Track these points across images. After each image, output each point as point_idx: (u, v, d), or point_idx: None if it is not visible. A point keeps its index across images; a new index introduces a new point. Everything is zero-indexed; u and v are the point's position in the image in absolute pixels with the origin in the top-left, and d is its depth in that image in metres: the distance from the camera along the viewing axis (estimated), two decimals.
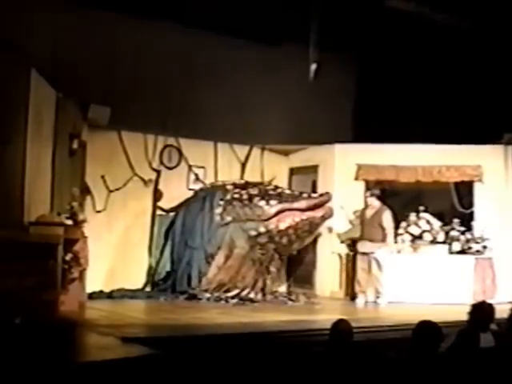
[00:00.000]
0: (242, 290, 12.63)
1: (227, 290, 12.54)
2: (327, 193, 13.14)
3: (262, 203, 12.72)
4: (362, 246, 12.95)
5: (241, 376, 6.55)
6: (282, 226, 12.67)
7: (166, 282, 12.95)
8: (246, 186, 13.30)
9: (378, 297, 12.69)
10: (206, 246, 12.69)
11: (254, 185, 13.42)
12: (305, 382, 5.57)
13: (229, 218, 12.73)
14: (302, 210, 12.81)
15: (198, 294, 12.30)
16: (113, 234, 12.87)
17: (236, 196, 12.91)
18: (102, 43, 12.30)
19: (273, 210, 12.68)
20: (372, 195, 13.06)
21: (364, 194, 13.30)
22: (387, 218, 12.86)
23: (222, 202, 12.85)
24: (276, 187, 13.42)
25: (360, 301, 12.72)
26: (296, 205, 12.81)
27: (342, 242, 13.67)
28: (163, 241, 13.29)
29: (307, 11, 12.20)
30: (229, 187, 13.17)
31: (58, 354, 6.55)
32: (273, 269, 13.13)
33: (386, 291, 12.63)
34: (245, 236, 12.68)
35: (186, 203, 13.29)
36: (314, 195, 13.20)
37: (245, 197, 12.87)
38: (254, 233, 12.66)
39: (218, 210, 12.79)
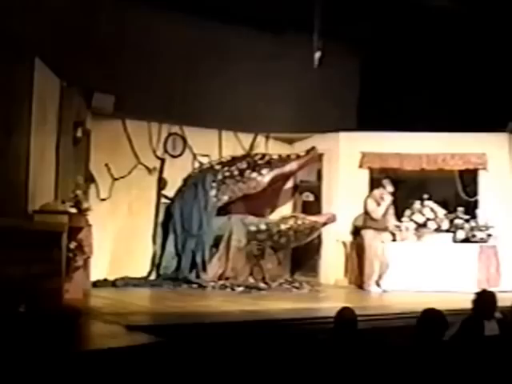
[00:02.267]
0: (242, 281, 12.68)
1: (230, 281, 12.57)
2: (313, 148, 13.15)
3: (254, 175, 12.81)
4: (376, 235, 12.90)
5: (245, 364, 6.57)
6: (283, 227, 12.74)
7: (172, 272, 12.97)
8: (233, 161, 13.33)
9: (379, 284, 12.72)
10: (207, 233, 12.73)
11: (241, 158, 13.44)
12: (309, 370, 5.58)
13: (225, 198, 12.79)
14: (294, 172, 12.97)
15: (202, 283, 12.32)
16: (117, 223, 12.87)
17: (227, 174, 12.96)
18: (105, 31, 12.27)
19: (266, 179, 12.71)
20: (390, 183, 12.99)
21: (382, 182, 13.08)
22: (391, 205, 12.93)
23: (214, 184, 12.91)
24: (263, 155, 13.42)
25: (368, 288, 12.72)
26: (288, 168, 12.90)
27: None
28: (162, 233, 13.29)
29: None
30: (217, 167, 13.22)
31: (62, 342, 6.55)
32: (269, 265, 13.20)
33: (389, 278, 12.66)
34: (244, 230, 12.74)
35: (179, 193, 13.31)
36: (301, 154, 13.25)
37: (235, 173, 12.95)
38: (253, 228, 12.76)
39: (213, 192, 12.87)
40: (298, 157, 13.17)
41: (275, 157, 13.35)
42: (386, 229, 12.85)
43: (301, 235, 13.10)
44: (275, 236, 12.87)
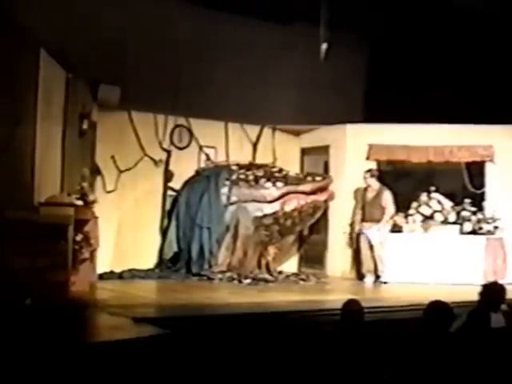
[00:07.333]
0: (251, 271, 12.70)
1: (238, 273, 12.55)
2: (329, 176, 13.25)
3: (269, 185, 12.85)
4: (363, 227, 13.02)
5: (252, 356, 6.57)
6: (288, 209, 12.88)
7: (177, 263, 12.96)
8: (250, 167, 13.41)
9: (378, 276, 12.74)
10: (216, 226, 12.71)
11: (259, 166, 13.52)
12: (316, 362, 5.58)
13: (234, 198, 12.82)
14: (307, 194, 12.93)
15: (210, 275, 12.33)
16: (123, 215, 12.87)
17: (242, 177, 13.02)
18: (112, 23, 12.22)
19: (278, 192, 12.78)
20: (372, 176, 13.12)
21: (363, 175, 13.26)
22: (386, 198, 12.98)
23: (227, 182, 12.92)
24: (281, 169, 13.54)
25: (367, 280, 12.77)
26: (301, 188, 13.01)
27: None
28: (167, 221, 13.30)
29: None
30: (234, 167, 13.26)
31: (69, 334, 6.56)
32: (274, 249, 13.27)
33: (387, 270, 12.72)
34: (250, 217, 12.77)
35: (188, 182, 13.30)
36: (317, 178, 13.40)
37: (251, 178, 12.98)
38: (259, 214, 12.79)
39: (224, 190, 12.86)
40: (314, 180, 13.25)
41: (292, 174, 13.47)
42: (373, 221, 12.89)
43: (305, 215, 13.19)
44: (281, 219, 12.91)
